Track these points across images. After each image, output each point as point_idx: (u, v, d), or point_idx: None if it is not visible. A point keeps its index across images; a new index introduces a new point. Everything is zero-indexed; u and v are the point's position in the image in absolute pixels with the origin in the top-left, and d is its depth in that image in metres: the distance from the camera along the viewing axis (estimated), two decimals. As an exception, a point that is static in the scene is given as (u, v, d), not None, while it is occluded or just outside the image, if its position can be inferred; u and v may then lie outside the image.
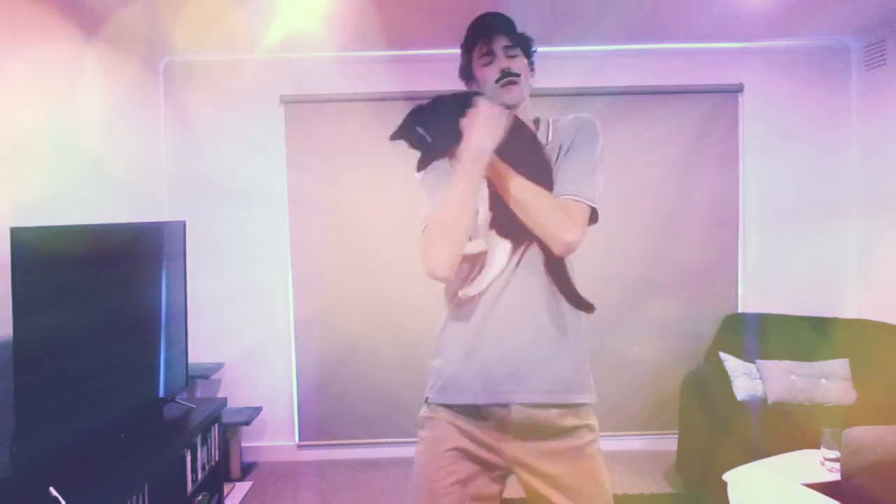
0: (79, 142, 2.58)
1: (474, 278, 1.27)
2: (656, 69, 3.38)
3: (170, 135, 3.38)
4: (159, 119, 3.35)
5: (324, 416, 3.44)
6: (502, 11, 1.37)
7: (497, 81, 1.31)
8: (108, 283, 2.22)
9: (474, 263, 1.29)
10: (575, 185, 1.26)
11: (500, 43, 1.31)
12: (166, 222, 2.74)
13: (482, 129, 1.20)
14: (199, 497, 2.57)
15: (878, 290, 3.23)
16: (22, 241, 1.76)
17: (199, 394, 3.36)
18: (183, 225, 2.72)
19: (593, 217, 1.29)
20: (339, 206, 3.39)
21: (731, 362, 2.98)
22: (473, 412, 1.27)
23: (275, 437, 3.47)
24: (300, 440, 3.46)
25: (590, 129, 1.32)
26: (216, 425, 2.73)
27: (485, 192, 1.28)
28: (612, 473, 1.32)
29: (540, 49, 1.42)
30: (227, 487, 3.03)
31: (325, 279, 3.41)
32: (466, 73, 1.39)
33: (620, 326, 3.30)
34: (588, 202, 1.26)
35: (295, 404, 3.46)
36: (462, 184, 1.20)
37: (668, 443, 3.13)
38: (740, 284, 3.44)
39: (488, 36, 1.32)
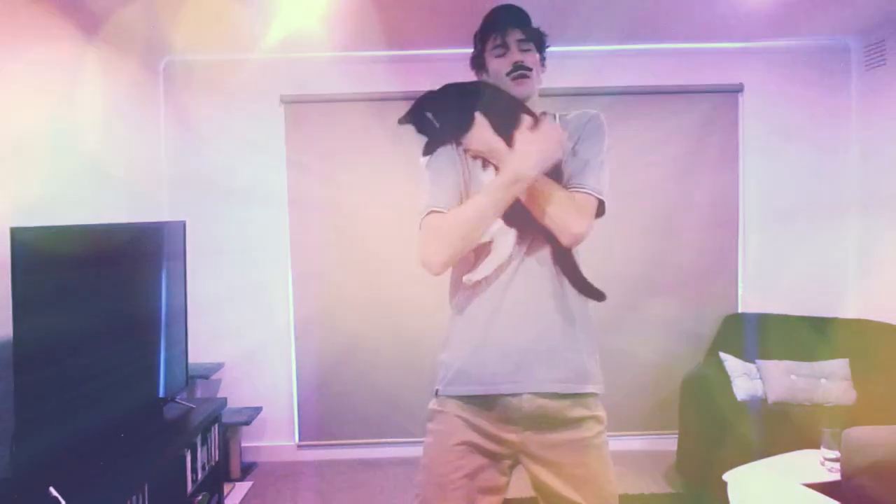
0: (79, 142, 2.58)
1: (479, 264, 1.28)
2: (656, 69, 3.38)
3: (170, 135, 3.38)
4: (159, 119, 3.35)
5: (324, 416, 3.44)
6: (492, 10, 1.37)
7: (509, 74, 1.32)
8: (108, 284, 2.22)
9: (479, 252, 1.30)
10: (583, 178, 1.28)
11: (515, 36, 1.32)
12: (166, 222, 2.74)
13: (538, 151, 1.20)
14: (199, 497, 2.57)
15: (878, 290, 3.22)
16: (22, 241, 1.76)
17: (199, 394, 3.36)
18: (183, 225, 2.72)
19: (600, 210, 1.30)
20: (339, 206, 3.39)
21: (731, 362, 2.98)
22: (483, 403, 1.27)
23: (275, 437, 3.47)
24: (300, 440, 3.46)
25: (597, 124, 1.34)
26: (216, 425, 2.72)
27: (490, 179, 1.28)
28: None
29: (542, 48, 1.41)
30: (227, 487, 3.03)
31: (325, 279, 3.41)
32: (478, 62, 1.40)
33: (620, 326, 3.30)
34: (596, 194, 1.27)
35: (295, 404, 3.46)
36: (492, 198, 1.20)
37: (668, 443, 3.13)
38: (740, 284, 3.44)
39: (503, 28, 1.33)
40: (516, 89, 1.32)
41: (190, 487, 2.44)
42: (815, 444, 2.25)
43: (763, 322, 3.21)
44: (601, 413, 1.31)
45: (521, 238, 1.28)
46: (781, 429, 2.65)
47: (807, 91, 3.38)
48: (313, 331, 3.43)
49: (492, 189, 1.21)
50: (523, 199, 1.24)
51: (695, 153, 3.39)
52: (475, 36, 1.41)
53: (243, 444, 3.35)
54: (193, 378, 3.12)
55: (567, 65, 3.23)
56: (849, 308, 3.36)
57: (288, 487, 3.12)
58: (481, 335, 1.27)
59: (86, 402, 2.05)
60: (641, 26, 3.05)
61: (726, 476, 2.17)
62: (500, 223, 1.27)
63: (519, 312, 1.26)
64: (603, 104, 3.22)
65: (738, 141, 3.41)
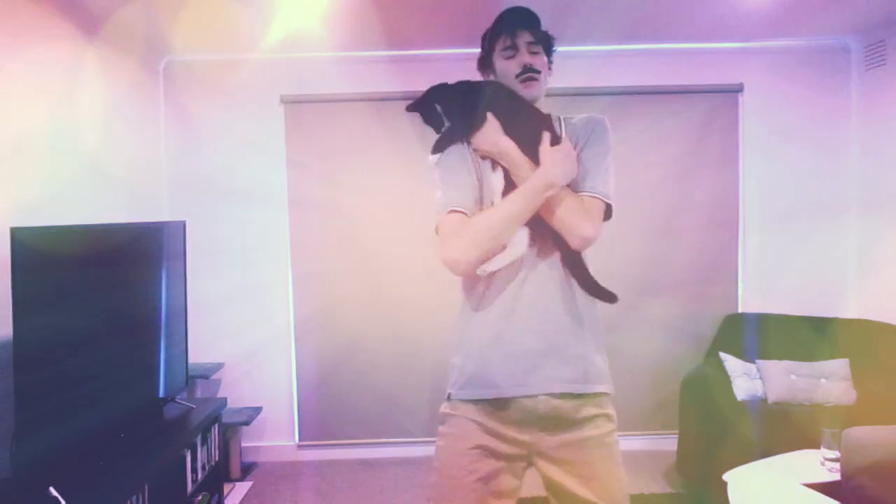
0: (79, 142, 2.58)
1: (494, 257, 1.28)
2: (656, 69, 3.38)
3: (170, 135, 3.38)
4: (159, 119, 3.35)
5: (324, 416, 3.44)
6: (503, 11, 1.37)
7: (518, 76, 1.33)
8: (108, 283, 2.22)
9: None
10: (591, 182, 1.30)
11: (525, 38, 1.33)
12: (166, 222, 2.74)
13: (563, 162, 1.24)
14: (199, 497, 2.57)
15: (878, 290, 3.22)
16: (22, 241, 1.76)
17: (199, 394, 3.36)
18: (183, 225, 2.72)
19: (607, 214, 1.31)
20: (339, 206, 3.39)
21: (731, 362, 2.98)
22: (498, 406, 1.28)
23: (275, 437, 3.47)
24: (300, 440, 3.46)
25: (603, 129, 1.36)
26: (216, 425, 2.72)
27: (500, 181, 1.29)
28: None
29: (540, 48, 1.42)
30: (227, 487, 3.03)
31: (325, 279, 3.41)
32: (486, 63, 1.40)
33: (620, 326, 3.29)
34: (603, 198, 1.29)
35: (295, 404, 3.46)
36: (524, 202, 1.22)
37: (668, 443, 3.13)
38: (740, 284, 3.44)
39: (513, 30, 1.33)
40: (525, 91, 1.33)
41: (190, 487, 2.44)
42: (815, 444, 2.25)
43: (763, 322, 3.20)
44: (612, 412, 1.33)
45: (532, 239, 1.29)
46: (781, 429, 2.65)
47: (807, 91, 3.38)
48: (313, 331, 3.42)
49: (524, 194, 1.23)
50: None
51: (695, 153, 3.39)
52: (483, 37, 1.41)
53: (243, 444, 3.35)
54: (193, 378, 3.12)
55: (567, 65, 3.19)
56: (849, 308, 3.36)
57: (288, 487, 3.12)
58: (495, 338, 1.28)
59: (86, 402, 2.05)
60: (641, 26, 3.05)
61: (726, 476, 2.17)
62: None
63: (531, 315, 1.27)
64: (603, 104, 3.27)
65: (738, 141, 3.41)
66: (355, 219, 3.39)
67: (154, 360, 2.50)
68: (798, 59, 3.37)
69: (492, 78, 1.39)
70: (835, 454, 2.12)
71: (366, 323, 3.41)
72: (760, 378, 2.91)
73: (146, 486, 2.08)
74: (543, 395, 1.25)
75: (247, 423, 3.17)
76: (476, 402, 1.29)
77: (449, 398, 1.34)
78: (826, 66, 3.37)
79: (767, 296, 3.40)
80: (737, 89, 3.38)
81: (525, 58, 1.33)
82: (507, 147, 1.26)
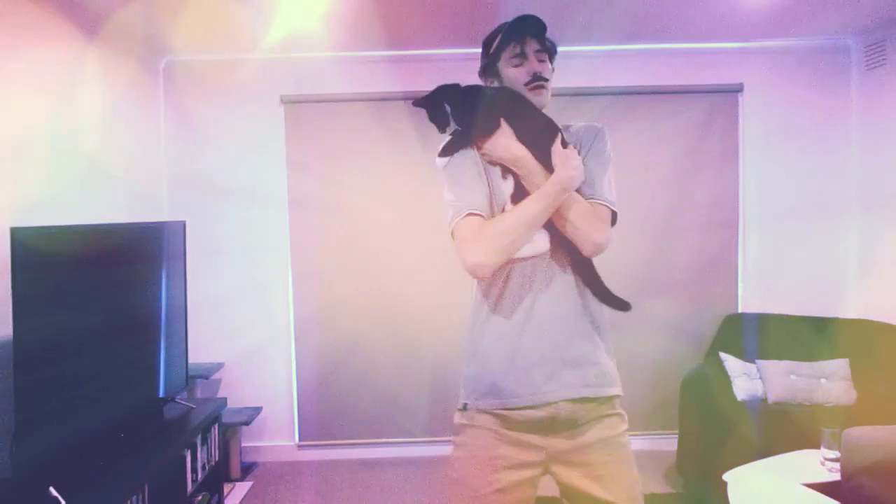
0: (78, 142, 2.58)
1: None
2: (656, 69, 3.38)
3: (170, 135, 3.38)
4: (159, 119, 3.35)
5: (324, 416, 3.44)
6: (503, 13, 1.37)
7: (527, 84, 1.33)
8: (108, 284, 2.22)
9: None
10: (597, 189, 1.32)
11: (533, 46, 1.34)
12: (166, 222, 2.74)
13: (577, 166, 1.25)
14: (199, 497, 2.57)
15: (878, 290, 3.23)
16: (22, 241, 1.76)
17: (199, 394, 3.36)
18: (183, 225, 2.72)
19: (612, 221, 1.33)
20: (339, 206, 3.39)
21: (731, 362, 2.98)
22: (517, 414, 1.28)
23: (275, 437, 3.47)
24: (300, 440, 3.46)
25: (603, 138, 1.38)
26: (216, 425, 2.72)
27: (510, 187, 1.30)
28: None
29: (540, 49, 1.42)
30: (227, 487, 3.03)
31: (325, 279, 3.41)
32: (490, 70, 1.40)
33: (620, 326, 3.27)
34: (610, 205, 1.31)
35: (295, 404, 3.46)
36: (540, 207, 1.23)
37: (668, 443, 3.13)
38: (740, 284, 3.44)
39: (522, 38, 1.33)
40: (534, 99, 1.34)
41: (190, 487, 2.44)
42: (815, 444, 2.25)
43: (763, 322, 3.21)
44: (624, 412, 1.34)
45: (550, 238, 1.29)
46: (781, 429, 2.65)
47: (807, 91, 3.38)
48: (313, 331, 3.42)
49: (542, 197, 1.24)
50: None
51: (695, 153, 3.39)
52: (485, 43, 1.41)
53: (243, 444, 3.35)
54: (193, 378, 3.12)
55: (567, 65, 3.19)
56: (849, 308, 3.36)
57: (288, 487, 3.12)
58: (512, 347, 1.28)
59: (86, 402, 2.05)
60: (641, 26, 3.05)
61: (726, 476, 2.17)
62: None
63: (547, 323, 1.28)
64: (603, 104, 3.26)
65: (738, 141, 3.41)
66: (355, 219, 3.39)
67: (154, 360, 2.50)
68: (798, 59, 3.37)
69: (494, 83, 1.39)
70: (835, 454, 2.13)
71: (366, 323, 3.41)
72: (760, 378, 2.91)
73: (146, 486, 2.08)
74: (563, 401, 1.26)
75: (247, 423, 3.17)
76: (494, 411, 1.29)
77: (465, 408, 1.34)
78: (826, 66, 3.37)
79: (767, 296, 3.40)
80: (737, 89, 3.39)
81: (535, 66, 1.33)
82: (521, 153, 1.27)
